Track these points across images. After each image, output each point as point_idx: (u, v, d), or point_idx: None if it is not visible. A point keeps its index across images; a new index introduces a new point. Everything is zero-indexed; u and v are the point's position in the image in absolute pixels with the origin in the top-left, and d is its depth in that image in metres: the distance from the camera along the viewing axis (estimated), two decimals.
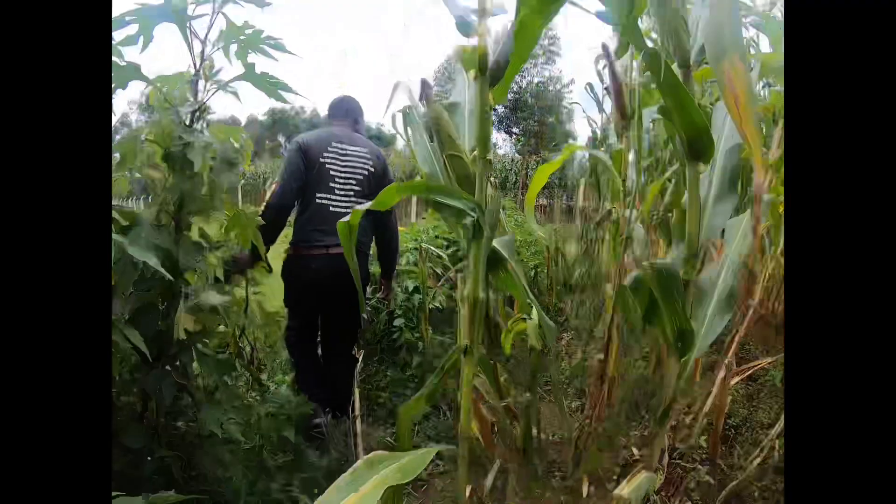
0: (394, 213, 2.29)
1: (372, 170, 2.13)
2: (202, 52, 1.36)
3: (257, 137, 43.50)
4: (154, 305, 1.29)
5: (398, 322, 2.68)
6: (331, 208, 2.02)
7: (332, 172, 2.04)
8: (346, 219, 0.98)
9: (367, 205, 0.94)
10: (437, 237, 3.52)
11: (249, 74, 1.39)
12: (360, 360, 2.41)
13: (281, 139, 43.77)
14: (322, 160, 2.03)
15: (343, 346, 2.29)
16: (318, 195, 2.02)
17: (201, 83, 1.40)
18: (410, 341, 2.66)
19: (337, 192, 2.05)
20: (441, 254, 3.01)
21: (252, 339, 2.11)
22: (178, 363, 1.32)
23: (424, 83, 1.09)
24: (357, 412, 2.08)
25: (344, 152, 2.08)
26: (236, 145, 1.45)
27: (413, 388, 2.47)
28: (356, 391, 2.19)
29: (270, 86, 1.41)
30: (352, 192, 2.07)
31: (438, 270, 3.04)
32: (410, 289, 2.78)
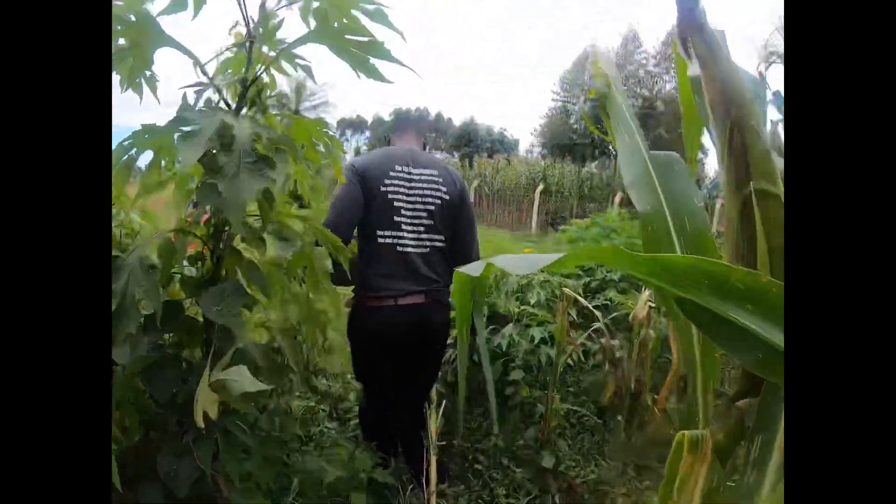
0: (476, 243, 1.86)
1: (447, 197, 1.71)
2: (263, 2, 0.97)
3: (382, 137, 42.56)
4: (173, 360, 0.98)
5: (515, 375, 2.14)
6: (397, 248, 1.64)
7: (395, 204, 1.64)
8: (469, 270, 0.74)
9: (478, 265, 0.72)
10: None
11: (323, 31, 0.94)
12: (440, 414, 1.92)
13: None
14: (384, 189, 1.63)
15: (415, 407, 1.89)
16: (380, 232, 1.64)
17: (260, 50, 0.98)
18: (528, 398, 2.14)
19: (404, 227, 1.65)
20: (582, 299, 2.28)
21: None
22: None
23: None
24: (433, 477, 1.68)
25: (410, 177, 1.68)
26: (320, 147, 1.07)
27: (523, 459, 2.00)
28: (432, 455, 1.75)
29: (363, 54, 0.94)
30: (422, 227, 1.68)
31: (572, 313, 2.37)
32: (537, 339, 2.19)
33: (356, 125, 49.41)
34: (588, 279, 2.81)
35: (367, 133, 47.76)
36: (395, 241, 1.64)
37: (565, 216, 12.20)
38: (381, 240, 1.64)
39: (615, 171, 14.11)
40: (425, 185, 1.69)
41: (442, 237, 1.71)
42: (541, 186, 13.52)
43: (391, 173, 1.65)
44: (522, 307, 2.41)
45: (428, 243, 1.68)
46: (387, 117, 44.06)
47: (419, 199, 1.68)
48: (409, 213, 1.66)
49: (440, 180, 1.71)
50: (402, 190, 1.66)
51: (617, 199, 11.00)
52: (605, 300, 2.65)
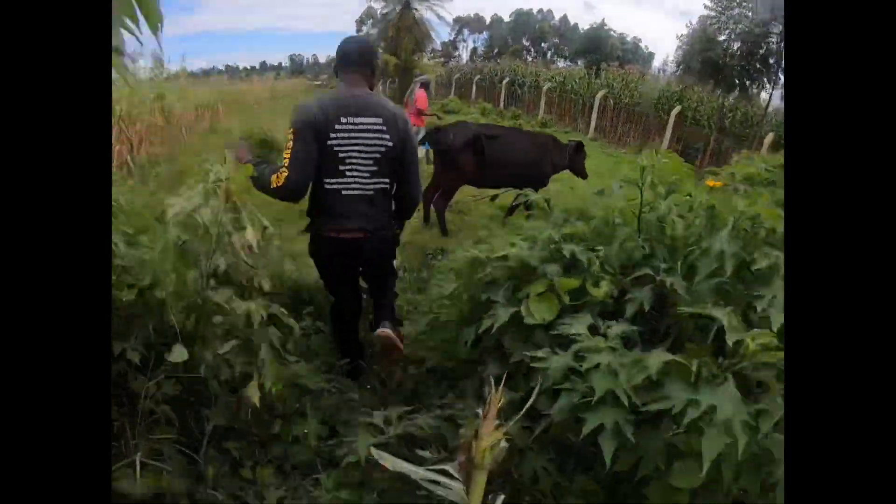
0: (418, 179, 2.06)
1: (390, 144, 1.84)
2: None
3: (501, 38, 42.09)
4: None
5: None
6: (342, 192, 1.83)
7: (341, 155, 1.80)
8: None
9: None
10: None
11: None
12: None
13: (525, 42, 41.69)
14: (330, 143, 1.78)
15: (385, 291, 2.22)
16: (327, 180, 1.82)
17: None
18: None
19: (348, 174, 1.82)
20: None
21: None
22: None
23: None
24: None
25: (357, 128, 1.80)
26: None
27: None
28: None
29: None
30: (367, 174, 1.84)
31: None
32: None
33: (474, 25, 46.36)
34: None
35: (486, 34, 45.53)
36: (341, 187, 1.83)
37: (698, 147, 10.92)
38: (328, 186, 1.82)
39: (767, 106, 11.68)
40: (370, 136, 1.81)
41: (386, 180, 1.89)
42: (678, 108, 11.69)
43: (337, 126, 1.77)
44: None
45: (371, 187, 1.86)
46: (507, 18, 42.81)
47: (364, 148, 1.81)
48: (353, 162, 1.81)
49: (384, 128, 1.82)
50: (347, 142, 1.79)
51: (768, 140, 9.32)
52: None
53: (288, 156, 1.76)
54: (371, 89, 1.92)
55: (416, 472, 0.78)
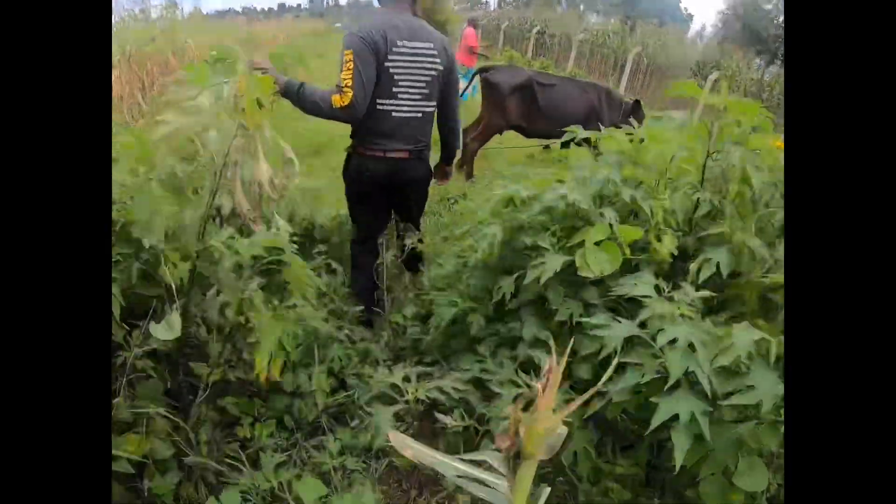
0: (458, 104, 2.16)
1: (440, 68, 1.92)
2: None
3: None
4: None
5: None
6: (393, 114, 1.90)
7: (395, 77, 1.85)
8: None
9: None
10: None
11: None
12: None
13: None
14: (387, 64, 1.83)
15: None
16: (380, 101, 1.87)
17: None
18: None
19: (400, 96, 1.89)
20: None
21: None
22: None
23: None
24: None
25: (412, 51, 1.86)
26: None
27: None
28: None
29: None
30: (418, 96, 1.92)
31: None
32: None
33: None
34: None
35: None
36: (392, 108, 1.89)
37: None
38: (380, 107, 1.88)
39: None
40: (424, 59, 1.88)
41: (433, 103, 1.98)
42: (715, 75, 10.73)
43: (394, 49, 1.82)
44: None
45: (420, 109, 1.94)
46: None
47: (417, 72, 1.88)
48: (406, 85, 1.88)
49: (435, 52, 1.90)
50: (402, 65, 1.85)
51: None
52: None
53: (349, 77, 1.77)
54: (414, 15, 1.95)
55: (448, 465, 0.59)
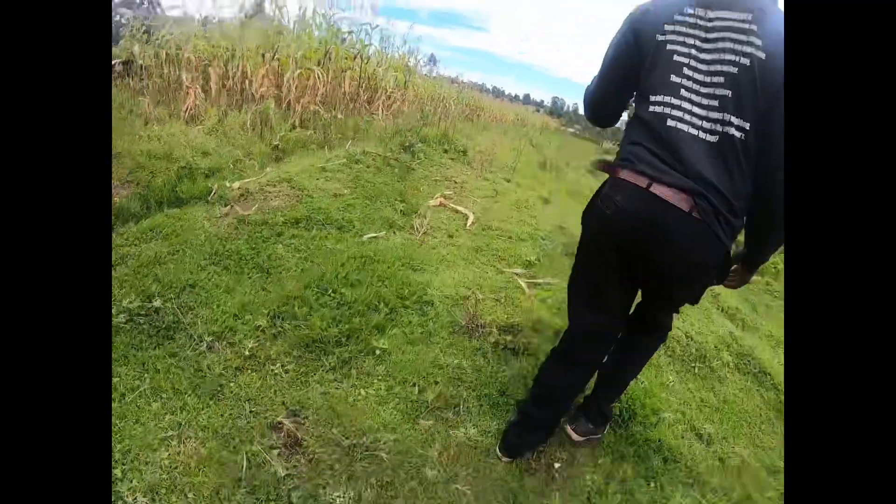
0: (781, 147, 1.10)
1: (762, 56, 1.06)
2: None
3: None
4: None
5: None
6: (668, 121, 1.15)
7: (675, 58, 1.15)
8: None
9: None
10: None
11: None
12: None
13: None
14: (661, 38, 1.17)
15: (648, 335, 1.50)
16: (653, 97, 1.18)
17: None
18: None
19: (683, 92, 1.14)
20: None
21: None
22: None
23: None
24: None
25: (704, 24, 1.13)
26: None
27: None
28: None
29: None
30: (716, 101, 1.10)
31: None
32: None
33: None
34: None
35: None
36: (668, 110, 1.15)
37: None
38: (652, 107, 1.18)
39: None
40: (728, 37, 1.10)
41: (742, 121, 1.09)
42: None
43: (676, 16, 1.15)
44: None
45: (719, 126, 1.11)
46: None
47: (716, 57, 1.11)
48: (694, 76, 1.13)
49: (754, 29, 1.07)
50: (687, 41, 1.14)
51: None
52: None
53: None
54: None
55: None
